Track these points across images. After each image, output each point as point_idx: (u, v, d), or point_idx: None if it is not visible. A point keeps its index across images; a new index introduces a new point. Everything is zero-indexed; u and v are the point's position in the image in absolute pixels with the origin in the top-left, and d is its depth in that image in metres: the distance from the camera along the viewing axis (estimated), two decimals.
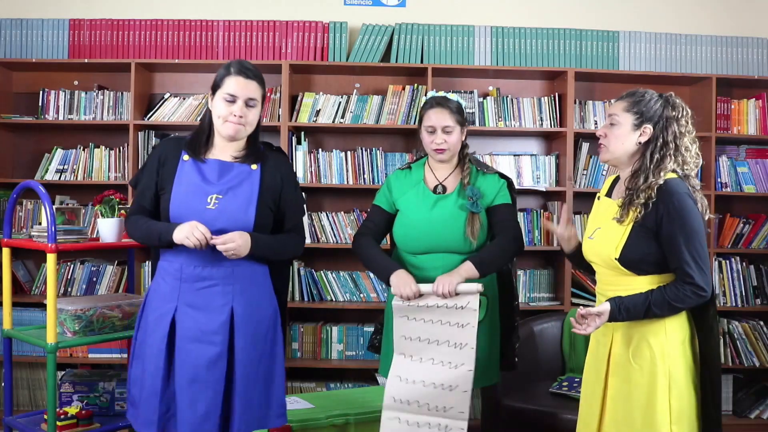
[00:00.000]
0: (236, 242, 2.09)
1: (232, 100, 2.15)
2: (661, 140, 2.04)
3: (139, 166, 3.86)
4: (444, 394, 2.37)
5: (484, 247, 2.53)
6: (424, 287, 2.40)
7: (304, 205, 2.54)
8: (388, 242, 2.76)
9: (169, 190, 2.17)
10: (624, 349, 2.04)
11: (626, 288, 2.02)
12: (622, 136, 2.08)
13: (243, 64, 2.20)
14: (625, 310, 1.97)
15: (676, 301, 1.95)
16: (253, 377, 2.20)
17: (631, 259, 2.01)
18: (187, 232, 2.05)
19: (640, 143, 2.07)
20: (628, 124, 2.07)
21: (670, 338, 2.00)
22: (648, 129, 2.05)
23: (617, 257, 2.01)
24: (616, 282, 2.07)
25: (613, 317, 1.98)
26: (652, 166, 2.02)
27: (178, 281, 2.16)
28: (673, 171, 2.04)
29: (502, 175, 2.62)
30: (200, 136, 2.23)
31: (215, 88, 2.20)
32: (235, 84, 2.15)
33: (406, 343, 2.43)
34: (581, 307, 2.03)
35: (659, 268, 2.01)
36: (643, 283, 2.01)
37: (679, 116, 2.06)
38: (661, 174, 2.01)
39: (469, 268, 2.41)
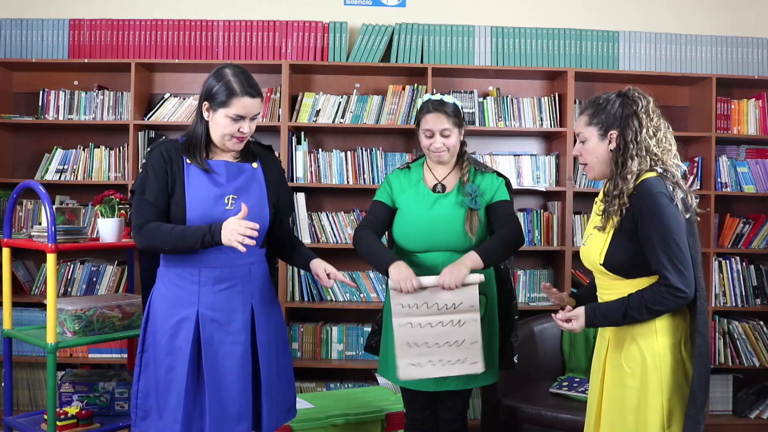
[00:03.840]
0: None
1: (240, 119, 2.15)
2: (623, 143, 2.00)
3: (140, 167, 3.87)
4: (451, 293, 2.37)
5: (488, 238, 2.52)
6: (427, 280, 2.40)
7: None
8: (387, 241, 2.75)
9: (180, 194, 2.14)
10: (617, 353, 2.03)
11: (618, 291, 2.00)
12: (593, 150, 2.05)
13: (247, 81, 2.15)
14: (601, 315, 1.96)
15: (654, 304, 1.90)
16: (276, 372, 2.24)
17: (615, 264, 1.99)
18: (232, 232, 2.00)
19: (611, 151, 2.03)
20: (594, 137, 2.04)
21: (661, 340, 1.96)
22: (614, 134, 2.01)
23: (601, 263, 2.01)
24: (608, 286, 2.06)
25: (590, 321, 1.97)
26: (618, 171, 1.99)
27: (197, 285, 2.15)
28: (652, 170, 1.98)
29: (499, 174, 2.62)
30: (197, 142, 2.19)
31: (217, 103, 2.14)
32: (243, 106, 2.13)
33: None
34: (560, 311, 2.02)
35: (647, 271, 1.96)
36: (631, 287, 1.98)
37: (638, 109, 2.00)
38: (628, 178, 1.96)
39: (474, 259, 2.40)
